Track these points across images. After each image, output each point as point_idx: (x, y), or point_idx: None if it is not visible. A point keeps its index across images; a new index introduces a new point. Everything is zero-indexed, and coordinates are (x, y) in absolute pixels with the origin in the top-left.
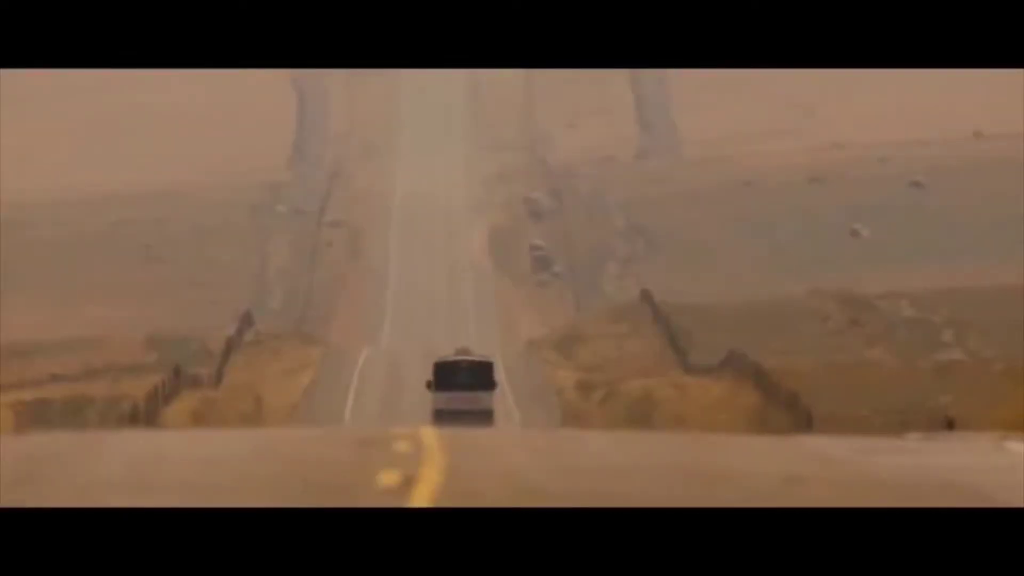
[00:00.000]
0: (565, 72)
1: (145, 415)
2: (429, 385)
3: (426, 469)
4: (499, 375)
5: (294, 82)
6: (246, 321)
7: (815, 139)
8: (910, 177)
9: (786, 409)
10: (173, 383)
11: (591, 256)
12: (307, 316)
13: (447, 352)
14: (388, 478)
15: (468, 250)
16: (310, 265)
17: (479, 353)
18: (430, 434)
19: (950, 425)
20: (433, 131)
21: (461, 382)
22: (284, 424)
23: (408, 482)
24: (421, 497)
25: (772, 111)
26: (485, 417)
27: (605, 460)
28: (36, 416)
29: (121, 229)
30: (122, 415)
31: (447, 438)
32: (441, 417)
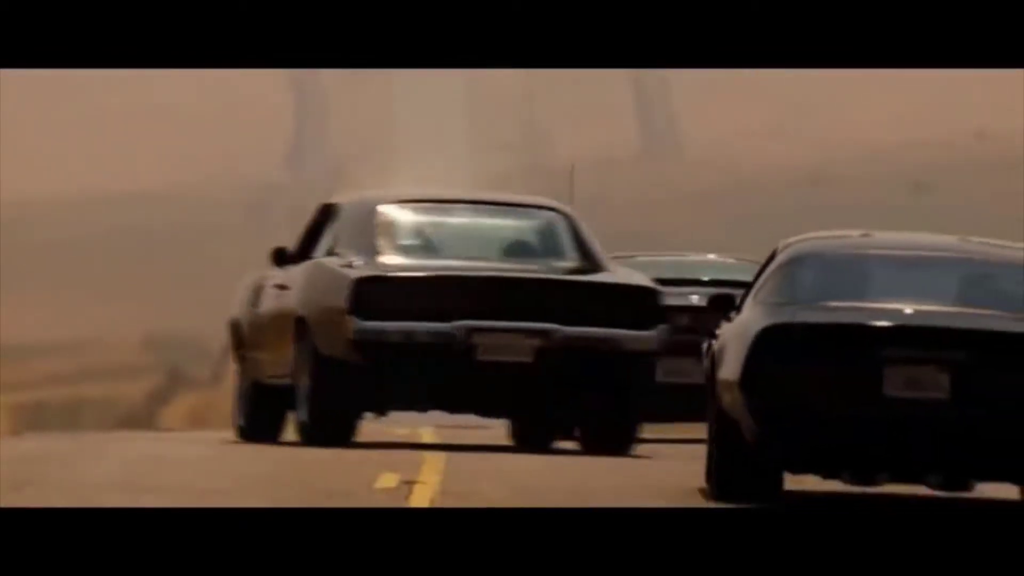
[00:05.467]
0: (565, 72)
1: (143, 416)
2: None
3: (425, 470)
4: None
5: (294, 82)
6: None
7: (816, 139)
8: (912, 178)
9: None
10: (171, 384)
11: None
12: None
13: None
14: (387, 479)
15: None
16: None
17: None
18: (430, 435)
19: None
20: (432, 131)
21: None
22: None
23: (407, 483)
24: (420, 498)
25: (772, 111)
26: None
27: (605, 460)
28: (33, 417)
29: (119, 229)
30: (120, 416)
31: (447, 439)
32: None
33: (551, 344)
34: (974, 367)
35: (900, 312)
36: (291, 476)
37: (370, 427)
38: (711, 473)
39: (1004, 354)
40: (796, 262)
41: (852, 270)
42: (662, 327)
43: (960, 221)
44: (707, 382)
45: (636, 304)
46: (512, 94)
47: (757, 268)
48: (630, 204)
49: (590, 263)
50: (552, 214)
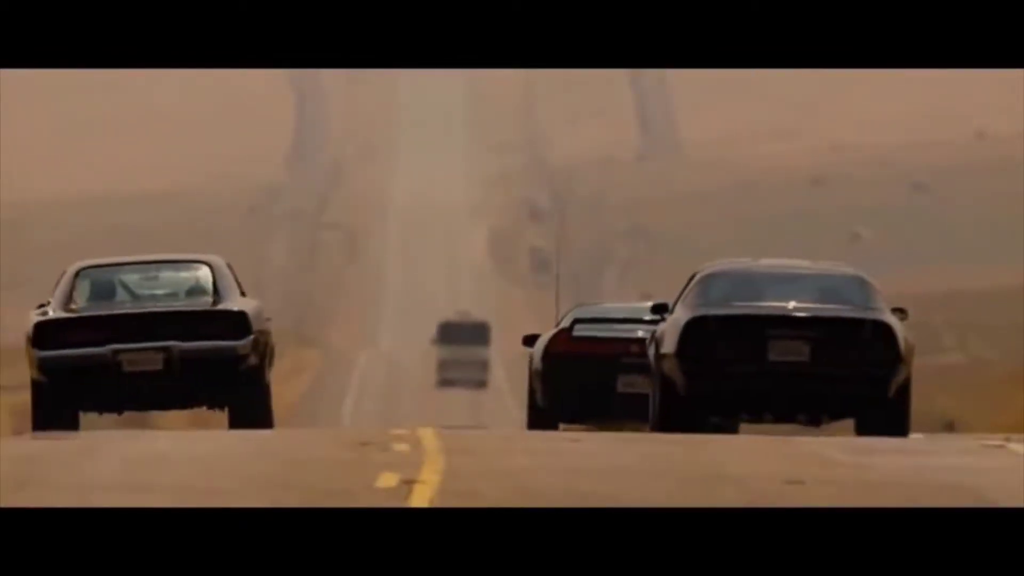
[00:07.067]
0: (565, 72)
1: (142, 416)
2: (434, 341)
3: (425, 470)
4: (500, 378)
5: (293, 82)
6: None
7: (816, 140)
8: (912, 178)
9: None
10: None
11: (591, 258)
12: (306, 318)
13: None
14: (387, 479)
15: (468, 252)
16: (309, 267)
17: (477, 316)
18: (429, 435)
19: (950, 428)
20: (433, 131)
21: (462, 338)
22: (282, 425)
23: (407, 483)
24: (420, 498)
25: (772, 111)
26: (481, 366)
27: (605, 461)
28: None
29: (119, 230)
30: (119, 416)
31: (447, 439)
32: (445, 366)
33: (173, 356)
34: (824, 341)
35: (778, 308)
36: (291, 476)
37: (370, 427)
38: (654, 417)
39: (843, 333)
40: (709, 278)
41: (746, 282)
42: (250, 337)
43: (960, 221)
44: (653, 357)
45: (233, 323)
46: (512, 94)
47: None
48: (630, 204)
49: (219, 298)
50: (200, 266)
